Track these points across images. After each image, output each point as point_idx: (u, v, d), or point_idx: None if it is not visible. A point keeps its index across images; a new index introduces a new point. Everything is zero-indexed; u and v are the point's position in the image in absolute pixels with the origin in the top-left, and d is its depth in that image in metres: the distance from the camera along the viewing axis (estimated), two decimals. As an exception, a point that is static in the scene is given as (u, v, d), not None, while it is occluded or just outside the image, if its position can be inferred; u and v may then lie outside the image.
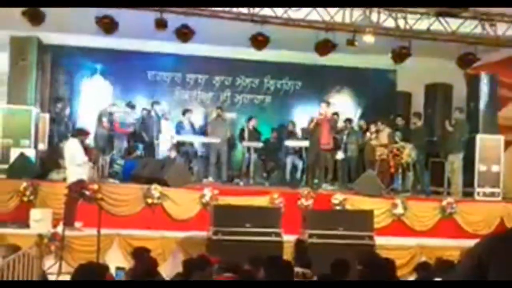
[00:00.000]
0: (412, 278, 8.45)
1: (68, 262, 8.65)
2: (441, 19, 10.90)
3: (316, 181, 11.88)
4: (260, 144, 13.09)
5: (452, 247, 10.04)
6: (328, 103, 12.22)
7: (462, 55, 11.32)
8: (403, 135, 12.71)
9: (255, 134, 13.22)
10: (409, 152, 12.01)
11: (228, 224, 8.86)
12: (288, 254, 8.98)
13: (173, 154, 12.56)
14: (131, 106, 13.26)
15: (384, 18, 10.94)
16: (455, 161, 12.16)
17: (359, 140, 13.09)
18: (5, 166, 10.91)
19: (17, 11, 9.81)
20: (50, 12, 9.93)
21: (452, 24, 11.04)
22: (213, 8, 10.20)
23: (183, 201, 10.30)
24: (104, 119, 12.46)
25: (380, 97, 15.01)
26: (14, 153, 10.94)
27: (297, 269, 6.41)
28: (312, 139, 11.93)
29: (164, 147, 12.75)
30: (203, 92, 14.93)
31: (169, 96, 14.65)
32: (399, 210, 10.87)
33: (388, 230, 10.59)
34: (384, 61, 12.33)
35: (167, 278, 6.74)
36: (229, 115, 14.05)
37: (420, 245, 10.08)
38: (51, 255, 8.73)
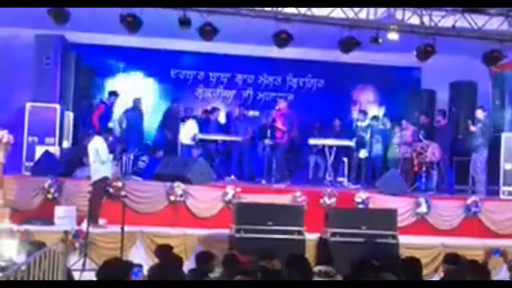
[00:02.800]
0: (436, 276, 8.42)
1: (92, 259, 8.76)
2: (466, 15, 10.80)
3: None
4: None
5: (476, 247, 9.94)
6: (285, 101, 12.90)
7: (488, 52, 11.18)
8: (427, 133, 12.59)
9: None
10: (433, 151, 11.90)
11: (251, 222, 8.86)
12: (310, 252, 8.96)
13: (196, 152, 12.58)
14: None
15: (409, 15, 10.86)
16: (479, 159, 12.02)
17: (384, 138, 12.99)
18: (30, 164, 11.04)
19: (42, 10, 9.90)
20: (75, 11, 10.01)
21: (478, 21, 10.92)
22: (236, 6, 10.22)
23: (205, 199, 10.32)
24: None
25: (404, 95, 14.87)
26: (39, 151, 11.06)
27: (319, 268, 6.38)
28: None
29: (186, 145, 12.76)
30: (225, 90, 14.95)
31: (191, 94, 14.69)
32: (423, 209, 10.77)
33: (411, 229, 10.49)
34: (408, 59, 12.21)
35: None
36: (252, 113, 14.01)
37: (444, 244, 9.95)
38: (75, 252, 8.82)
